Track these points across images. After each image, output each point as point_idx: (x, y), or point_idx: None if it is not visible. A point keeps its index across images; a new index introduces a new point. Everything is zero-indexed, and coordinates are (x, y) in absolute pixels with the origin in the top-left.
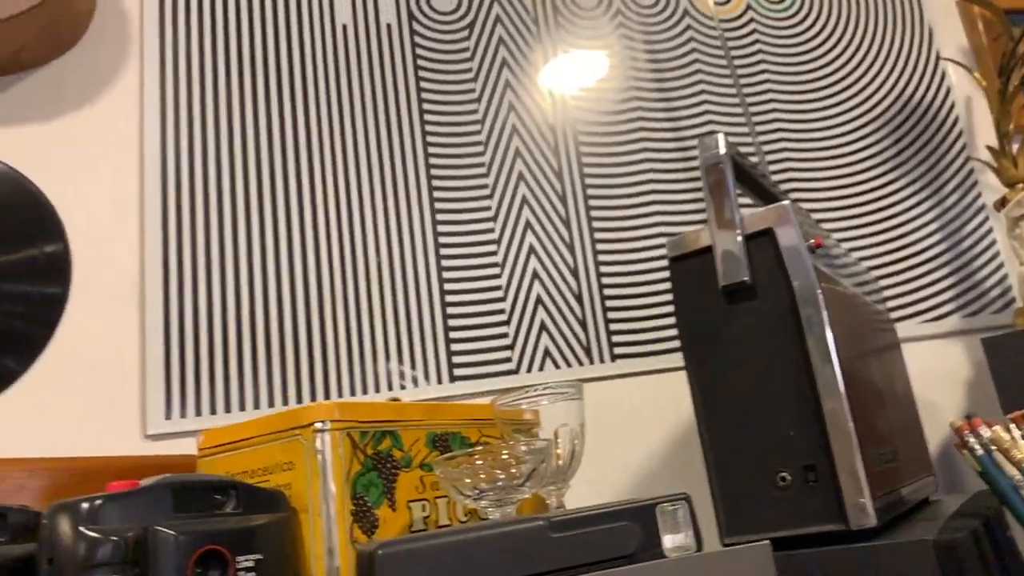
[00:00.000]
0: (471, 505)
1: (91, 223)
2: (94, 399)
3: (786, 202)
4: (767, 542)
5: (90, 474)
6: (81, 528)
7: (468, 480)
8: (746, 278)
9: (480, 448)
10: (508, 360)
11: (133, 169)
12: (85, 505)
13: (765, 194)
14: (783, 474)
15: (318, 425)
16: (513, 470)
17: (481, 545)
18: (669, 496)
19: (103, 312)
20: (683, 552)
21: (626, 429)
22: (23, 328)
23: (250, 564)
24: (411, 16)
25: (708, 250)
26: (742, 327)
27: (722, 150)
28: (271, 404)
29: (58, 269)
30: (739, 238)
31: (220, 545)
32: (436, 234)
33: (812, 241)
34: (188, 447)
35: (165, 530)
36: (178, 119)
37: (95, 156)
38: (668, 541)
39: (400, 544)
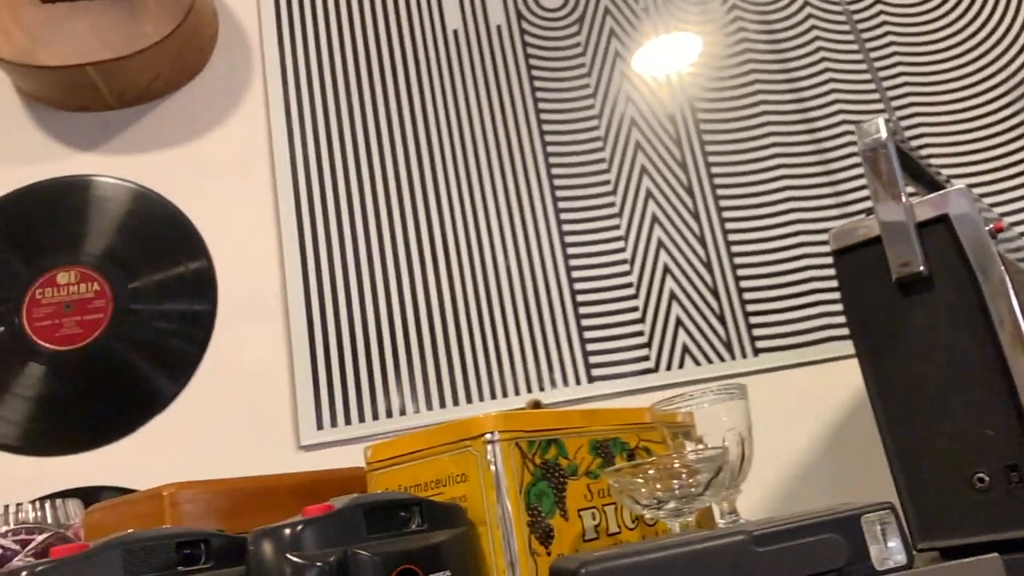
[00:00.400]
0: (649, 515)
1: (231, 240)
2: (247, 413)
3: (961, 185)
4: (996, 555)
5: (268, 493)
6: (287, 555)
7: (644, 490)
8: (922, 268)
9: (653, 459)
10: (646, 358)
11: (266, 185)
12: (287, 531)
13: (924, 178)
14: (980, 475)
15: (488, 436)
16: (689, 479)
17: (685, 562)
18: (873, 505)
19: (249, 327)
20: (895, 565)
21: (774, 427)
22: (178, 346)
23: None
24: (520, 16)
25: (876, 240)
26: (921, 320)
27: (883, 135)
28: (416, 410)
29: (204, 286)
30: (911, 227)
31: (413, 564)
32: (562, 233)
33: (992, 226)
34: (341, 456)
35: (363, 552)
36: (304, 133)
37: (230, 175)
38: (875, 552)
39: (602, 561)
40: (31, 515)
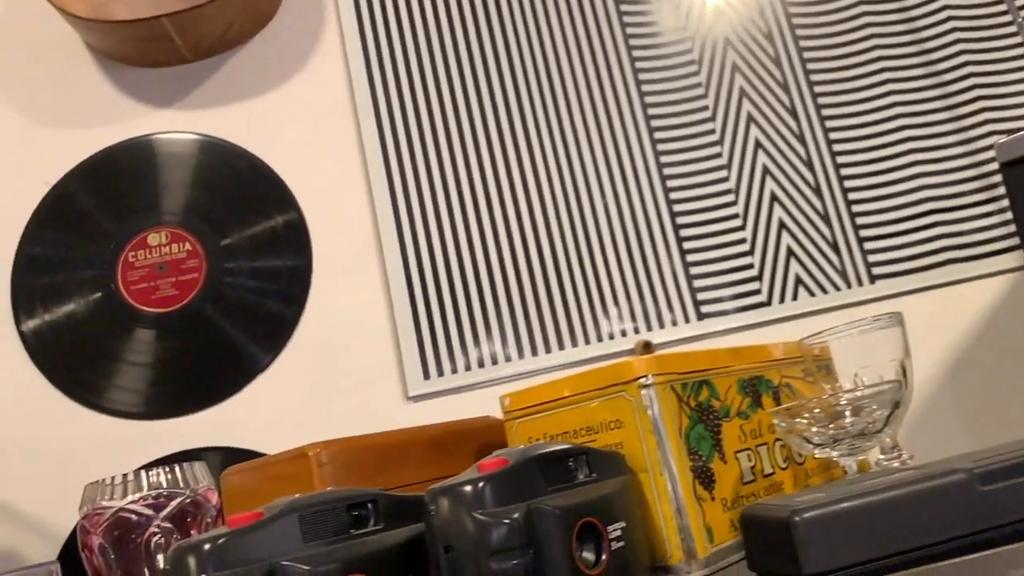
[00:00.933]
0: (821, 455)
1: (319, 191)
2: (351, 367)
3: None
4: None
5: (406, 448)
6: (474, 514)
7: (815, 429)
8: None
9: (819, 398)
10: (757, 292)
11: (350, 131)
12: (468, 488)
13: None
14: None
15: (644, 380)
16: (856, 415)
17: (905, 505)
18: None
19: (346, 279)
20: None
21: None
22: (276, 303)
23: (618, 533)
24: None
25: None
26: None
27: None
28: (520, 356)
29: (297, 240)
30: None
31: (593, 516)
32: (659, 164)
33: None
34: (449, 406)
35: (546, 506)
36: (384, 74)
37: (312, 124)
38: None
39: (815, 508)
40: (159, 479)
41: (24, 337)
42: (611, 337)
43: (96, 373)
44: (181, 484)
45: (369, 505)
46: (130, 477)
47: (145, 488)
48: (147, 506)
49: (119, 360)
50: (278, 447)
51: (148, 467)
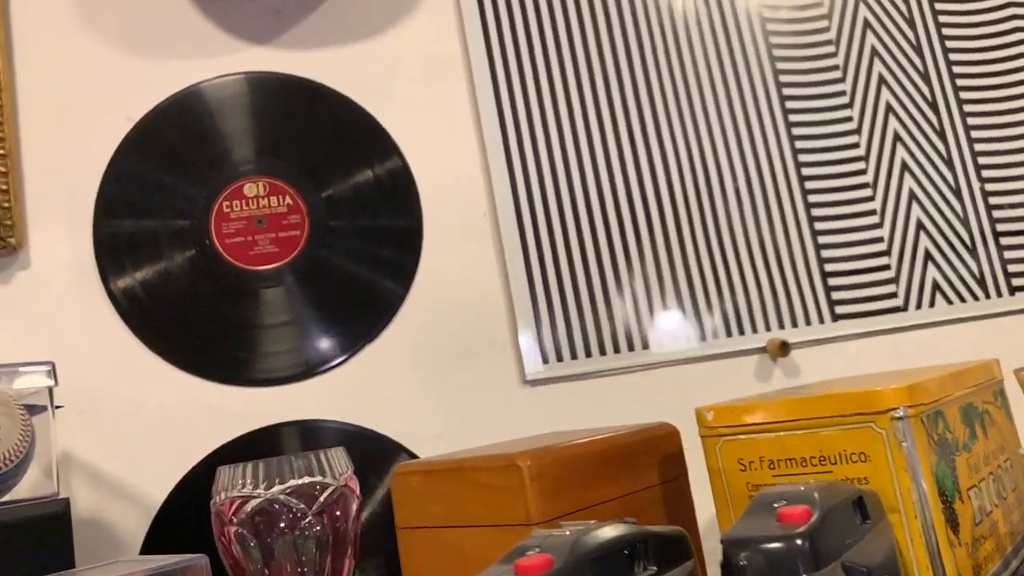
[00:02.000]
0: None
1: (429, 152)
2: (465, 344)
3: None
4: None
5: (599, 460)
6: None
7: None
8: None
9: None
10: (893, 295)
11: (463, 89)
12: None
13: None
14: None
15: (896, 412)
16: None
17: None
18: None
19: (458, 248)
20: None
21: None
22: (384, 269)
23: None
24: None
25: None
26: None
27: None
28: (645, 346)
29: (406, 202)
30: None
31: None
32: (795, 152)
33: None
34: (568, 393)
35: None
36: (500, 24)
37: (421, 75)
38: None
39: None
40: (303, 464)
41: (111, 292)
42: (741, 332)
43: (190, 333)
44: (327, 472)
45: (639, 544)
46: (273, 464)
47: (289, 476)
48: (294, 495)
49: (215, 321)
50: (382, 423)
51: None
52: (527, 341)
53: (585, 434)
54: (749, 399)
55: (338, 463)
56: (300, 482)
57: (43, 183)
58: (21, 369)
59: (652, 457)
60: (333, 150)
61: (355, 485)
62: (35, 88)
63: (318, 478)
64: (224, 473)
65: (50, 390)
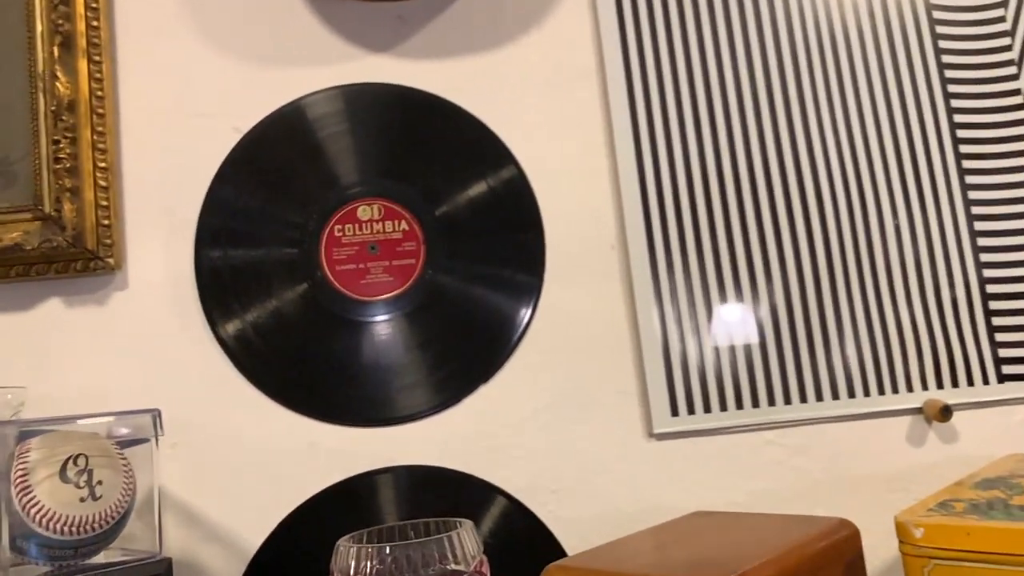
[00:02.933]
0: None
1: (554, 175)
2: (587, 390)
3: None
4: None
5: (802, 570)
6: None
7: None
8: None
9: None
10: None
11: (596, 106)
12: None
13: None
14: None
15: None
16: None
17: None
18: None
19: (583, 284)
20: None
21: None
22: (503, 303)
23: None
24: None
25: None
26: None
27: None
28: (787, 401)
29: (528, 230)
30: None
31: None
32: (964, 188)
33: None
34: (699, 451)
35: None
36: (641, 37)
37: (550, 92)
38: None
39: None
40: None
41: (211, 319)
42: (895, 391)
43: (294, 366)
44: (460, 558)
45: None
46: (400, 552)
47: (421, 565)
48: None
49: (321, 354)
50: (493, 472)
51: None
52: (656, 390)
53: (749, 529)
54: (970, 520)
55: (469, 544)
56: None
57: (143, 199)
58: (126, 417)
59: (835, 568)
60: (453, 172)
61: (487, 570)
62: (138, 95)
63: (450, 565)
64: (345, 552)
65: (155, 439)
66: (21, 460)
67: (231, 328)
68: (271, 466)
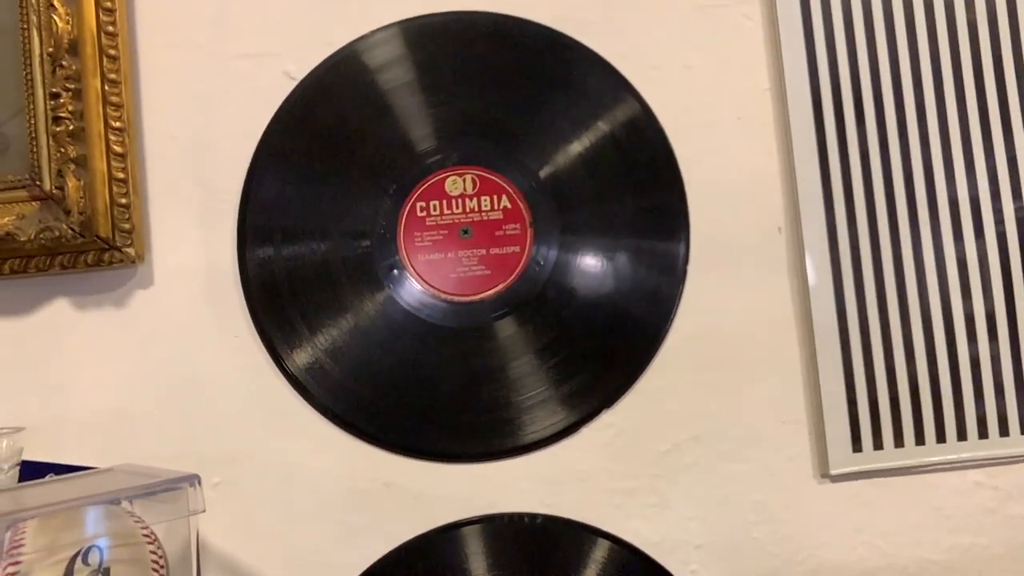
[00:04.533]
0: None
1: (702, 128)
2: (743, 420)
3: None
4: None
5: None
6: None
7: None
8: None
9: None
10: None
11: (757, 35)
12: None
13: None
14: None
15: None
16: None
17: None
18: None
19: (738, 279)
20: None
21: None
22: (636, 311)
23: None
24: None
25: None
26: None
27: None
28: (1003, 431)
29: (671, 221)
30: None
31: None
32: None
33: None
34: (883, 495)
35: None
36: (831, 37)
37: (692, 16)
38: None
39: None
40: None
41: (259, 323)
42: None
43: (364, 386)
44: None
45: None
46: None
47: None
48: None
49: (399, 370)
50: (619, 523)
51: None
52: (835, 418)
53: None
54: None
55: None
56: None
57: (170, 168)
58: (152, 482)
59: None
60: (568, 130)
61: None
62: (161, 30)
63: None
64: None
65: (193, 508)
66: (13, 556)
67: (285, 337)
68: (336, 512)
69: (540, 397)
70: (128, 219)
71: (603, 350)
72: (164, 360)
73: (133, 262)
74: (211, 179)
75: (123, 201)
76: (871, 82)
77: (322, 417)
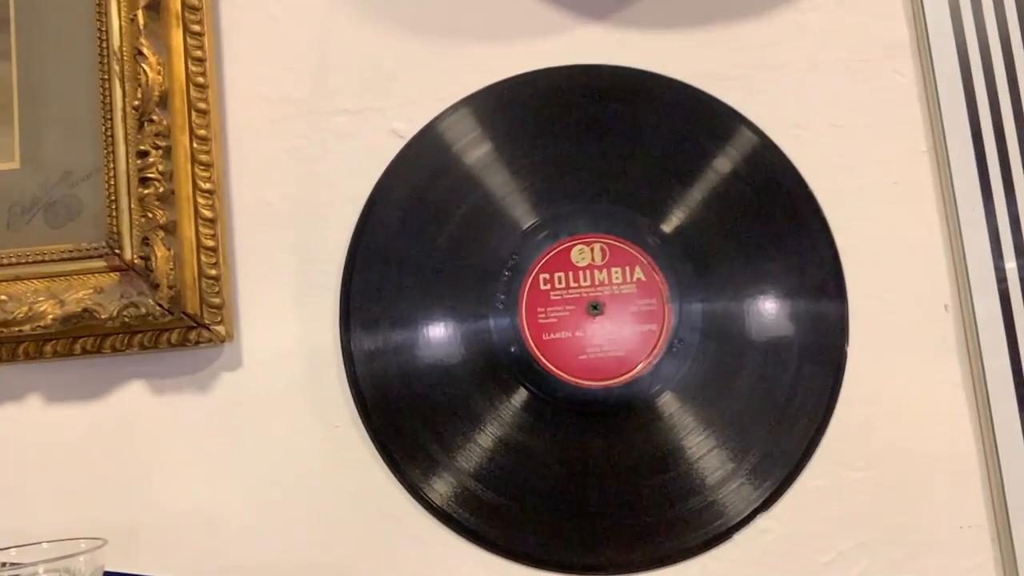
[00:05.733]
0: None
1: (853, 194)
2: (910, 518)
3: None
4: None
5: None
6: None
7: None
8: None
9: None
10: None
11: (912, 92)
12: None
13: None
14: None
15: None
16: None
17: None
18: None
19: (899, 364)
20: None
21: None
22: (780, 416)
23: None
24: None
25: None
26: None
27: None
28: None
29: (829, 285)
30: None
31: None
32: None
33: None
34: None
35: None
36: (988, 54)
37: (845, 72)
38: None
39: None
40: None
41: (368, 417)
42: None
43: (506, 495)
44: None
45: None
46: None
47: None
48: None
49: (539, 476)
50: None
51: None
52: None
53: None
54: None
55: None
56: None
57: (261, 236)
58: None
59: None
60: (710, 195)
61: None
62: (250, 81)
63: None
64: None
65: None
66: None
67: (395, 433)
68: None
69: (679, 503)
70: (218, 293)
71: (751, 447)
72: (256, 449)
73: (223, 342)
74: (308, 249)
75: (212, 273)
76: None
77: (454, 534)
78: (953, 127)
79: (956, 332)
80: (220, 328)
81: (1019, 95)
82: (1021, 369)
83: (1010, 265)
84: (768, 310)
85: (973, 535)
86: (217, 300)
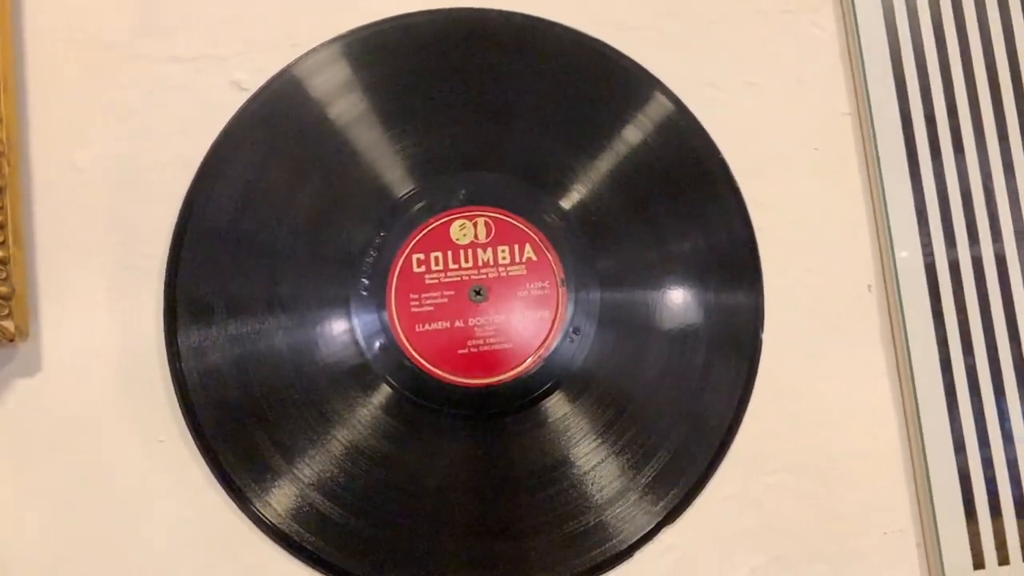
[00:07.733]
0: None
1: (770, 159)
2: (832, 524)
3: None
4: None
5: None
6: None
7: None
8: None
9: None
10: None
11: (832, 47)
12: None
13: None
14: None
15: None
16: None
17: None
18: None
19: (819, 351)
20: None
21: None
22: (686, 414)
23: None
24: None
25: None
26: None
27: None
28: None
29: (742, 278)
30: None
31: None
32: None
33: None
34: None
35: None
36: (918, 33)
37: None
38: None
39: None
40: None
41: (209, 448)
42: None
43: (367, 524)
44: None
45: None
46: None
47: None
48: None
49: (414, 492)
50: None
51: None
52: (950, 528)
53: None
54: None
55: None
56: None
57: (65, 208)
58: None
59: None
60: (611, 163)
61: None
62: (55, 15)
63: None
64: None
65: None
66: None
67: (241, 455)
68: None
69: (570, 518)
70: (6, 280)
71: (656, 450)
72: (56, 477)
73: (12, 340)
74: (127, 224)
75: None
76: (968, 104)
77: (284, 550)
78: (877, 87)
79: (880, 316)
80: (9, 323)
81: (946, 51)
82: (949, 357)
83: (937, 240)
84: (675, 296)
85: (897, 541)
86: (5, 288)
